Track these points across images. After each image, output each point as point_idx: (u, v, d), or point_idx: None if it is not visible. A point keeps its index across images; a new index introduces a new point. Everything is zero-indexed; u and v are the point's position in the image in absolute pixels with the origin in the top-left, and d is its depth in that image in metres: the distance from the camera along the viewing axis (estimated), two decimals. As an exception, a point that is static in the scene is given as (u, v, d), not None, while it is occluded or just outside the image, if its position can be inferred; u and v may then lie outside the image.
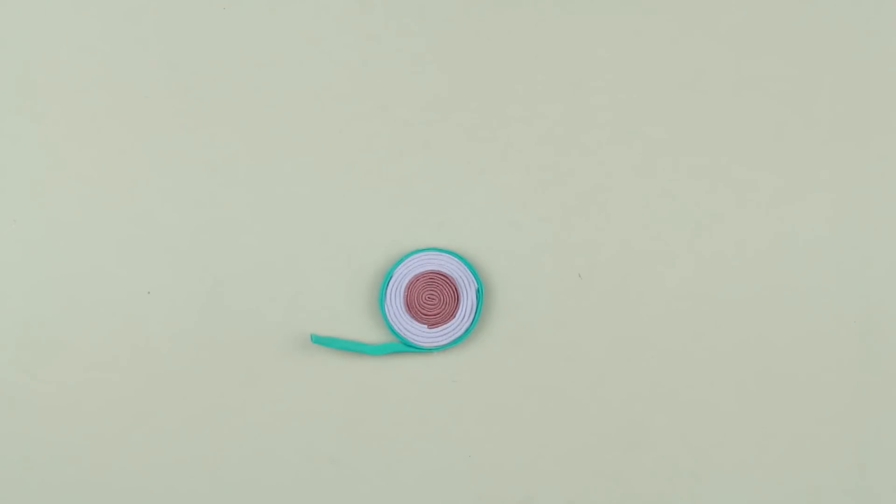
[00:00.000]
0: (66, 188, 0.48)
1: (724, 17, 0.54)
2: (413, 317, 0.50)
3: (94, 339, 0.48)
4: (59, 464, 0.47)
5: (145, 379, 0.48)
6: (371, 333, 0.50)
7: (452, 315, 0.49)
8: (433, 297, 0.49)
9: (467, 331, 0.49)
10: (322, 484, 0.49)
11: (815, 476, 0.53)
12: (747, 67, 0.54)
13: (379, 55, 0.51)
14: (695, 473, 0.52)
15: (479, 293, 0.50)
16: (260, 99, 0.50)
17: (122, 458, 0.48)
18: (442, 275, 0.50)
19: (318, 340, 0.48)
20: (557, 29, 0.53)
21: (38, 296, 0.48)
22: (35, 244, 0.48)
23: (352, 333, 0.50)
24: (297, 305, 0.50)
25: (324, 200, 0.50)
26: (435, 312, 0.49)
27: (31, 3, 0.49)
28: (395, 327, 0.50)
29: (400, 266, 0.50)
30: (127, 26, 0.49)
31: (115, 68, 0.49)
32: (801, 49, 0.55)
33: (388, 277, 0.50)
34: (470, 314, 0.50)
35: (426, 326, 0.50)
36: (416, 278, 0.49)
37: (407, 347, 0.49)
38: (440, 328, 0.50)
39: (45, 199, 0.48)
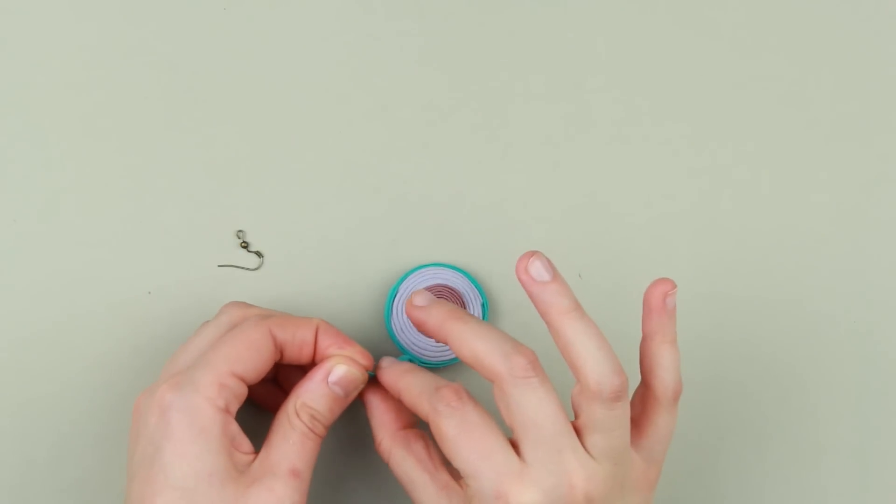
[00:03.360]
0: (65, 188, 0.48)
1: (724, 17, 0.54)
2: (420, 330, 0.49)
3: (94, 339, 0.48)
4: (60, 464, 0.47)
5: (146, 379, 0.48)
6: (374, 348, 0.49)
7: None
8: None
9: None
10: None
11: (815, 476, 0.53)
12: (747, 67, 0.54)
13: (379, 55, 0.51)
14: (694, 473, 0.52)
15: (485, 308, 0.50)
16: (260, 99, 0.50)
17: (122, 458, 0.48)
18: (448, 288, 0.49)
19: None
20: (557, 29, 0.53)
21: (39, 296, 0.48)
22: (35, 244, 0.48)
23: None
24: (297, 305, 0.50)
25: (323, 201, 0.50)
26: None
27: (31, 2, 0.49)
28: (402, 342, 0.49)
29: (405, 281, 0.49)
30: (126, 26, 0.49)
31: (115, 68, 0.49)
32: (801, 49, 0.55)
33: (393, 293, 0.49)
34: None
35: (434, 340, 0.49)
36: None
37: (422, 363, 0.48)
38: None
39: (45, 199, 0.48)
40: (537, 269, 0.40)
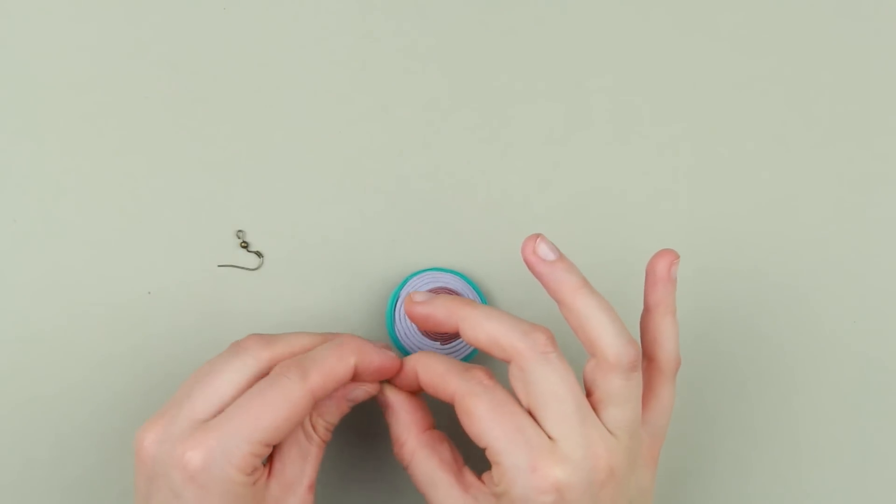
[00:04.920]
0: (66, 188, 0.48)
1: (724, 17, 0.54)
2: (425, 335, 0.49)
3: (94, 339, 0.48)
4: (60, 464, 0.47)
5: (145, 379, 0.48)
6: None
7: None
8: None
9: None
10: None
11: (815, 476, 0.53)
12: (747, 67, 0.54)
13: (379, 55, 0.51)
14: (694, 473, 0.52)
15: None
16: (260, 99, 0.50)
17: (122, 458, 0.48)
18: (449, 290, 0.49)
19: None
20: (557, 29, 0.53)
21: (39, 296, 0.48)
22: (35, 244, 0.48)
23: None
24: (297, 306, 0.50)
25: (323, 201, 0.50)
26: None
27: (31, 2, 0.49)
28: (407, 347, 0.49)
29: (405, 286, 0.49)
30: (126, 26, 0.49)
31: (115, 68, 0.49)
32: (801, 49, 0.55)
33: (393, 299, 0.49)
34: None
35: (439, 343, 0.49)
36: None
37: None
38: (452, 344, 0.49)
39: (45, 199, 0.48)
40: (544, 250, 0.41)
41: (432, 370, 0.42)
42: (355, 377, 0.42)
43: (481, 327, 0.40)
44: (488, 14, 0.52)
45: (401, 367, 0.43)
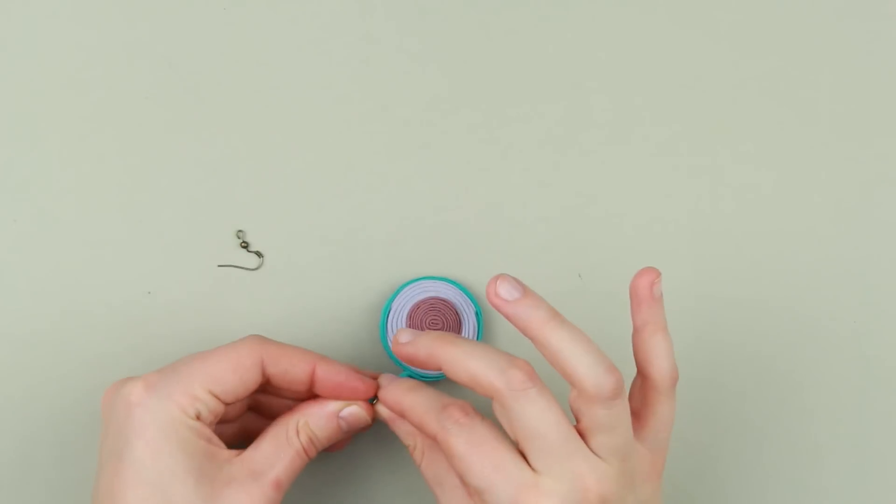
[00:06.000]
0: (66, 188, 0.48)
1: (724, 17, 0.54)
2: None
3: (95, 339, 0.48)
4: (60, 464, 0.47)
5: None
6: (372, 358, 0.50)
7: None
8: (437, 321, 0.48)
9: None
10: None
11: (815, 476, 0.53)
12: (747, 67, 0.54)
13: (379, 55, 0.51)
14: (694, 473, 0.52)
15: (479, 317, 0.50)
16: (260, 99, 0.50)
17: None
18: (441, 300, 0.49)
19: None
20: (557, 29, 0.53)
21: (39, 296, 0.48)
22: (35, 244, 0.48)
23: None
24: (297, 306, 0.50)
25: (323, 201, 0.50)
26: None
27: (31, 2, 0.49)
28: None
29: (398, 296, 0.49)
30: (126, 26, 0.49)
31: (115, 68, 0.49)
32: (800, 49, 0.55)
33: (386, 310, 0.49)
34: (473, 335, 0.49)
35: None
36: (418, 305, 0.48)
37: (422, 378, 0.47)
38: None
39: (45, 199, 0.48)
40: (506, 289, 0.40)
41: (413, 411, 0.42)
42: (318, 387, 0.43)
43: (461, 366, 0.40)
44: (488, 14, 0.52)
45: (376, 391, 0.44)
